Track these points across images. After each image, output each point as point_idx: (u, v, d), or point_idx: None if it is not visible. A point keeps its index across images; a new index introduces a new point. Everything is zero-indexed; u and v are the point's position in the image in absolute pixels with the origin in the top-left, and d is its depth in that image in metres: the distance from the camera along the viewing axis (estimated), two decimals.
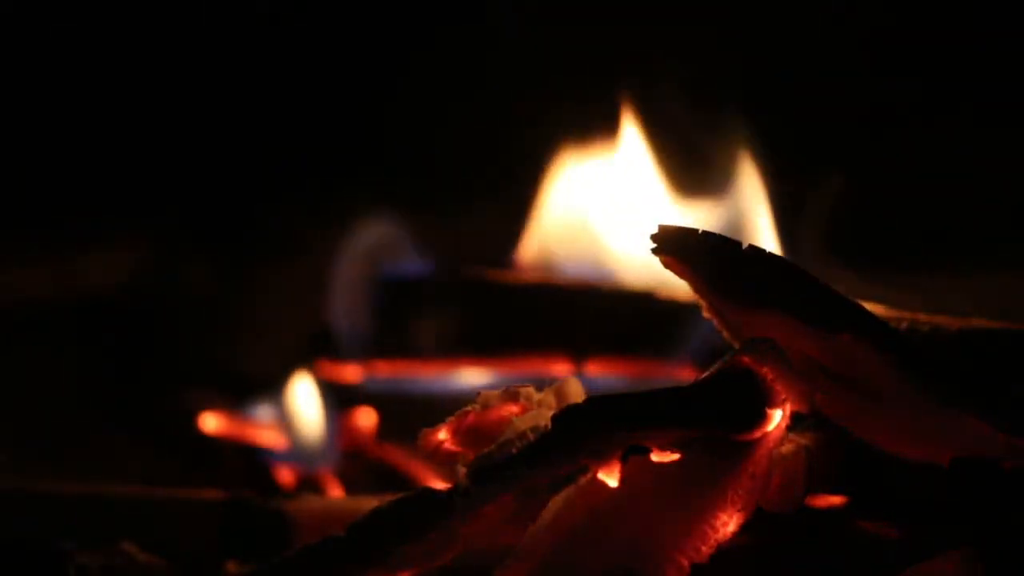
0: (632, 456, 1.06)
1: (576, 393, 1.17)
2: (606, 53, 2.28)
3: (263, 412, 1.83)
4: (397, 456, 1.73)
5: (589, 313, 1.71)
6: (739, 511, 1.09)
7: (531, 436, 1.05)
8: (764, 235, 1.64)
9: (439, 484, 1.16)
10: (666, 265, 1.15)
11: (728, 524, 1.09)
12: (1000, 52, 2.28)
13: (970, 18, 2.30)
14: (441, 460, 1.19)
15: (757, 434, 1.09)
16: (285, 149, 2.45)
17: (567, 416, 1.05)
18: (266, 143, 2.44)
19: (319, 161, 2.46)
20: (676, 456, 1.07)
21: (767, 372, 1.09)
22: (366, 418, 1.77)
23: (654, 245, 1.14)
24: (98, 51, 2.42)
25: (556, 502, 1.08)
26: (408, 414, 1.78)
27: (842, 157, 2.23)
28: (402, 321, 1.78)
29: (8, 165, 2.38)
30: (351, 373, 1.80)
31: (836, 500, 1.19)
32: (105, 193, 2.40)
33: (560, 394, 1.17)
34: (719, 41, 2.24)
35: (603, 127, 1.86)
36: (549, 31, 2.37)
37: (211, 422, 1.81)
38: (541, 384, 1.19)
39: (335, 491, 1.71)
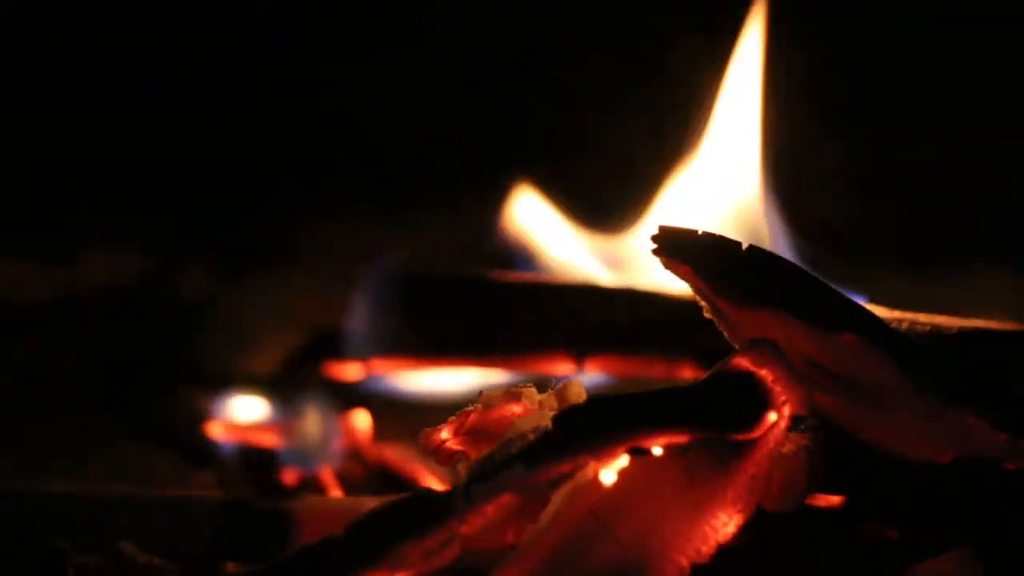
0: (632, 456, 1.07)
1: (578, 395, 1.17)
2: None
3: (263, 412, 1.83)
4: (397, 456, 1.73)
5: (589, 313, 1.71)
6: (739, 511, 1.09)
7: (532, 437, 1.05)
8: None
9: (439, 484, 1.17)
10: (666, 266, 1.15)
11: (728, 524, 1.09)
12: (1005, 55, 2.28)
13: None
14: (442, 460, 1.19)
15: (757, 435, 1.09)
16: (285, 149, 2.45)
17: (568, 416, 1.06)
18: (266, 143, 2.44)
19: (318, 161, 2.46)
20: (661, 451, 1.07)
21: (767, 373, 1.09)
22: (364, 418, 1.76)
23: (654, 246, 1.14)
24: (98, 52, 2.42)
25: (556, 502, 1.08)
26: (408, 414, 1.78)
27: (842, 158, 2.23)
28: (403, 321, 1.78)
29: (8, 165, 2.38)
30: (352, 372, 1.80)
31: (836, 500, 1.19)
32: (105, 193, 2.40)
33: (562, 397, 1.17)
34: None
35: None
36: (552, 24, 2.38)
37: (215, 426, 1.81)
38: (543, 384, 1.19)
39: (335, 491, 1.71)
